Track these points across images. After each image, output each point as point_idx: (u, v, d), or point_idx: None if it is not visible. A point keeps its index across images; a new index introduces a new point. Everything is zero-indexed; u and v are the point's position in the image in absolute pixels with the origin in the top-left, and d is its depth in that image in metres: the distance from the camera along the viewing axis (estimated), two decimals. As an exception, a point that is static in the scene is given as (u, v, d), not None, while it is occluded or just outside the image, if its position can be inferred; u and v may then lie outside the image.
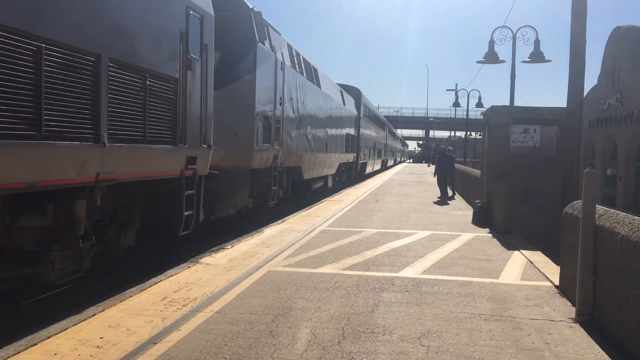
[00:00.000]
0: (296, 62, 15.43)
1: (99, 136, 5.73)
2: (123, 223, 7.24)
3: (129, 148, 6.36)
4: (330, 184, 22.23)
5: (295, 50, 15.65)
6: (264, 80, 11.67)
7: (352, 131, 26.87)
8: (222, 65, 9.97)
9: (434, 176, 21.05)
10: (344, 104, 24.72)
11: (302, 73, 15.92)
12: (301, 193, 17.22)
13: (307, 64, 17.31)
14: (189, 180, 7.97)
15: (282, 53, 13.49)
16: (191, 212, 8.08)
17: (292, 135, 14.55)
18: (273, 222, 12.01)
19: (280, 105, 13.10)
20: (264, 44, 11.70)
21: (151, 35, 6.86)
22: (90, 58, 5.57)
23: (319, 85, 18.67)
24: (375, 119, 39.44)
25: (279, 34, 13.67)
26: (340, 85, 25.90)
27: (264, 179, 12.28)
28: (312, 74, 17.73)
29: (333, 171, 22.30)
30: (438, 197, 19.49)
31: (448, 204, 17.89)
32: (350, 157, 26.47)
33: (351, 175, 28.30)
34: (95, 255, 6.57)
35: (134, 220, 7.44)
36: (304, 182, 16.93)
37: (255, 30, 11.25)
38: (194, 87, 8.02)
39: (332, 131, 21.17)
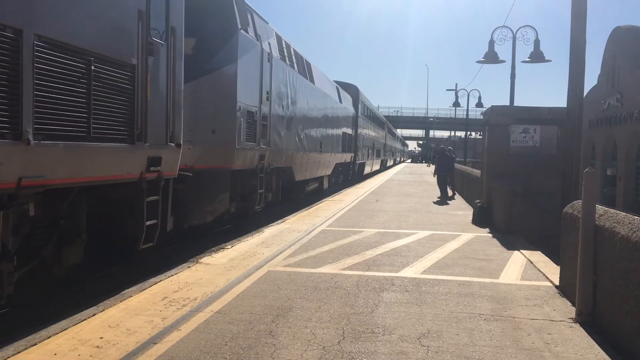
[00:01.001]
0: (286, 54, 14.21)
1: (20, 132, 4.65)
2: (66, 237, 6.02)
3: (66, 147, 5.24)
4: (326, 186, 21.42)
5: (285, 42, 14.49)
6: (247, 72, 10.59)
7: (349, 130, 26.00)
8: (198, 54, 8.92)
9: (434, 176, 21.04)
10: (341, 101, 23.75)
11: (293, 66, 14.76)
12: (294, 195, 16.41)
13: (299, 58, 16.16)
14: (152, 184, 6.96)
15: (269, 43, 12.33)
16: (155, 221, 7.04)
17: (282, 133, 13.46)
18: (273, 222, 12.01)
19: (267, 100, 11.98)
20: (247, 32, 10.59)
21: (98, 11, 5.75)
22: (6, 34, 4.50)
23: (312, 80, 17.56)
24: (374, 118, 38.64)
25: (266, 22, 12.58)
26: (337, 82, 24.99)
27: (249, 181, 11.31)
28: (304, 69, 16.63)
29: (329, 172, 21.44)
30: (438, 197, 19.49)
31: (448, 203, 17.89)
32: (347, 157, 25.70)
33: (348, 176, 27.62)
34: (27, 276, 5.51)
35: (80, 233, 6.15)
36: (296, 183, 16.02)
37: (237, 15, 10.13)
38: (157, 76, 6.97)
39: (328, 130, 20.26)
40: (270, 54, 12.20)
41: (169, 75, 7.30)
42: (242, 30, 10.20)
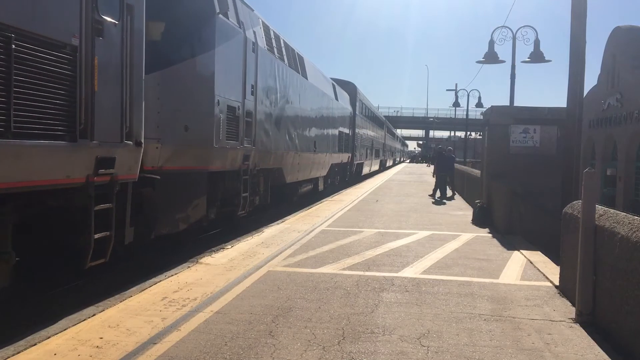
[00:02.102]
0: (275, 45, 13.02)
1: None
2: None
3: None
4: (321, 187, 20.43)
5: (274, 32, 13.31)
6: (227, 62, 9.46)
7: (346, 129, 24.95)
8: (168, 40, 7.82)
9: (433, 176, 21.02)
10: (337, 99, 22.61)
11: (282, 59, 13.57)
12: (285, 198, 15.49)
13: (291, 51, 14.98)
14: (103, 190, 5.98)
15: (254, 32, 11.21)
16: (107, 232, 6.06)
17: (270, 131, 12.33)
18: (273, 222, 12.01)
19: (252, 95, 10.89)
20: (226, 17, 9.44)
21: None
22: None
23: (305, 75, 16.38)
24: (372, 117, 37.61)
25: (251, 9, 11.51)
26: (333, 79, 23.77)
27: (231, 184, 10.29)
28: (296, 63, 15.46)
29: (324, 173, 20.41)
30: (438, 197, 19.56)
31: (444, 203, 17.92)
32: (344, 157, 24.69)
33: (346, 177, 26.58)
34: None
35: (5, 251, 5.13)
36: (288, 186, 14.99)
37: None
38: (108, 61, 5.95)
39: (323, 129, 19.23)
40: (255, 44, 11.10)
41: (124, 61, 6.21)
42: (220, 15, 9.08)
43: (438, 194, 19.96)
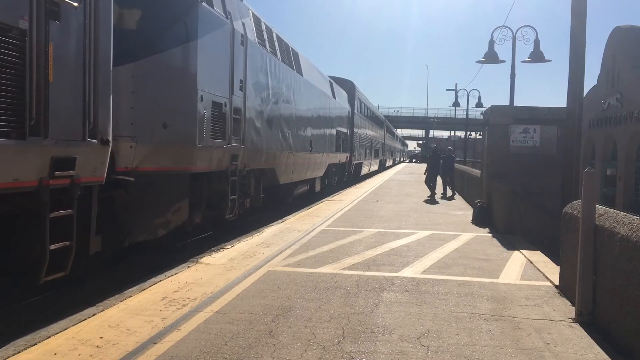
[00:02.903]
0: (266, 39, 12.26)
1: None
2: None
3: None
4: (317, 188, 19.80)
5: (266, 25, 12.52)
6: (211, 54, 8.80)
7: (344, 129, 24.21)
8: (144, 29, 7.22)
9: (424, 174, 20.90)
10: (334, 97, 21.82)
11: (275, 54, 12.81)
12: (280, 200, 14.85)
13: (284, 45, 14.16)
14: (61, 194, 5.33)
15: (243, 24, 10.46)
16: (67, 242, 5.38)
17: (261, 130, 11.59)
18: (273, 221, 12.01)
19: (240, 91, 10.16)
20: (211, 6, 8.85)
21: None
22: None
23: (300, 72, 15.62)
24: (371, 116, 36.83)
25: None
26: (331, 77, 23.01)
27: (218, 185, 9.64)
28: (290, 58, 14.68)
29: (321, 173, 19.73)
30: (441, 194, 19.73)
31: (438, 202, 17.93)
32: (342, 157, 23.96)
33: (344, 177, 25.92)
34: None
35: None
36: (282, 187, 14.37)
37: None
38: (67, 48, 5.29)
39: (319, 127, 18.48)
40: (244, 37, 10.36)
41: (87, 49, 5.50)
42: (204, 3, 8.51)
43: (441, 191, 20.05)
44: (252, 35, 10.96)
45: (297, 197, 16.73)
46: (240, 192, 10.50)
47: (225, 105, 9.41)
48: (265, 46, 11.96)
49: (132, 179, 6.82)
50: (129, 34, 6.84)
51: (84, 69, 5.50)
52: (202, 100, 8.37)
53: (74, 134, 5.42)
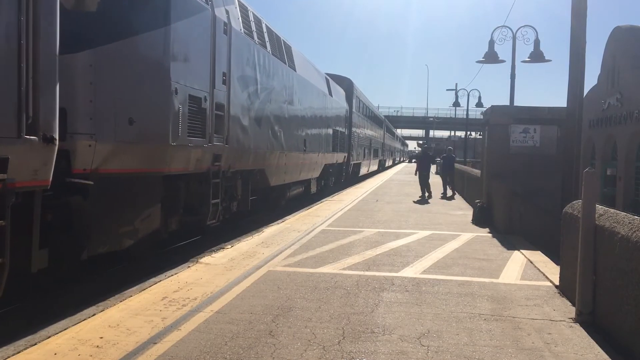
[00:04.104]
0: (254, 29, 11.30)
1: None
2: None
3: None
4: (313, 190, 19.00)
5: (255, 15, 11.58)
6: (188, 43, 7.96)
7: (341, 127, 23.35)
8: (107, 11, 6.33)
9: (415, 174, 20.85)
10: (331, 94, 20.90)
11: (264, 46, 11.90)
12: (271, 203, 14.00)
13: (275, 37, 13.21)
14: None
15: (227, 11, 9.59)
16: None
17: (248, 128, 10.69)
18: (273, 221, 12.01)
19: (223, 84, 9.27)
20: None
21: None
22: None
23: (293, 66, 14.64)
24: (371, 115, 35.92)
25: None
26: (328, 75, 22.22)
27: (198, 188, 8.81)
28: (282, 51, 13.71)
29: (316, 174, 18.88)
30: (441, 194, 19.73)
31: (428, 202, 17.92)
32: (339, 157, 23.14)
33: (341, 178, 25.11)
34: None
35: None
36: (273, 189, 13.54)
37: None
38: None
39: (314, 126, 17.56)
40: (228, 25, 9.46)
41: (23, 30, 4.71)
42: None
43: (439, 194, 20.02)
44: (237, 24, 10.08)
45: (291, 199, 16.04)
46: (226, 196, 9.88)
47: (206, 100, 8.56)
48: (252, 37, 11.09)
49: (91, 183, 6.00)
50: (88, 17, 5.92)
51: (19, 53, 4.66)
52: (176, 93, 7.57)
53: (5, 130, 4.59)
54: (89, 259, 6.37)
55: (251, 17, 11.29)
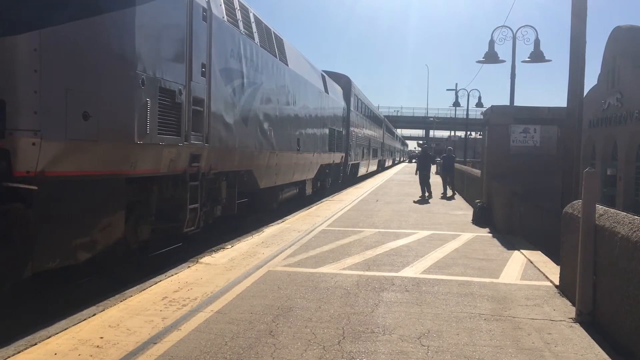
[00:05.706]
0: (240, 18, 10.27)
1: None
2: None
3: None
4: (309, 191, 18.17)
5: (240, 3, 10.54)
6: (158, 28, 7.04)
7: (339, 127, 22.45)
8: None
9: (415, 174, 20.88)
10: (327, 92, 19.97)
11: (252, 37, 10.92)
12: (262, 207, 13.14)
13: (265, 28, 12.18)
14: None
15: None
16: None
17: (232, 125, 9.73)
18: (273, 221, 12.01)
19: (203, 77, 8.35)
20: None
21: None
22: None
23: (285, 60, 13.62)
24: (370, 114, 35.00)
25: None
26: (325, 72, 21.36)
27: (173, 192, 7.97)
28: (272, 44, 12.69)
29: (312, 175, 18.00)
30: (441, 194, 19.74)
31: (428, 202, 17.93)
32: (336, 157, 22.22)
33: (339, 178, 24.18)
34: None
35: None
36: (264, 191, 12.59)
37: None
38: None
39: (309, 124, 16.64)
40: (208, 11, 8.52)
41: None
42: None
43: (439, 194, 20.02)
44: (219, 11, 9.08)
45: (284, 202, 15.14)
46: (208, 199, 9.11)
47: (181, 94, 7.62)
48: (238, 26, 10.07)
49: (35, 188, 5.14)
50: None
51: None
52: (143, 85, 6.65)
53: None
54: (89, 259, 6.35)
55: (236, 5, 10.25)
